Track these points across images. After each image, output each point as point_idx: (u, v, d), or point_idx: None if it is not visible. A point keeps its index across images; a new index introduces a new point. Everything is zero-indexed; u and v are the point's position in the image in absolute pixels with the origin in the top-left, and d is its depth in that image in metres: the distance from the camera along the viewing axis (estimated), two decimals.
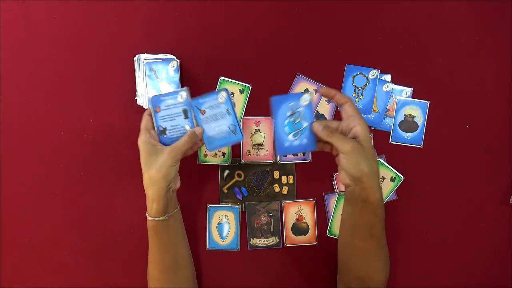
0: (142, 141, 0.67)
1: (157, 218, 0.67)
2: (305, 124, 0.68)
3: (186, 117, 0.69)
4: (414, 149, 0.84)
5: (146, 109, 0.78)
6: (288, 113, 0.68)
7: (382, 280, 0.71)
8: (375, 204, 0.65)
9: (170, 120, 0.69)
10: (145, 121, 0.69)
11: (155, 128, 0.69)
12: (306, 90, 0.80)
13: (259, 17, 0.83)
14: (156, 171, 0.65)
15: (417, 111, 0.84)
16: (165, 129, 0.69)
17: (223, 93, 0.69)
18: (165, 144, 0.68)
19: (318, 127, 0.67)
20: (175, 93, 0.69)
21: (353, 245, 0.71)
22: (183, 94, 0.69)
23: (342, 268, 0.75)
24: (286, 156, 0.82)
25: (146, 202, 0.68)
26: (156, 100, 0.69)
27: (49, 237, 0.80)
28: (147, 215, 0.68)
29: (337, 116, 0.83)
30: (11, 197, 0.80)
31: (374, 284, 0.70)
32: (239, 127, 0.70)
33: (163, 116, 0.69)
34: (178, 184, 0.71)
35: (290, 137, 0.68)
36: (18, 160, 0.80)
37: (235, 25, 0.83)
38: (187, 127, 0.69)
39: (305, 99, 0.68)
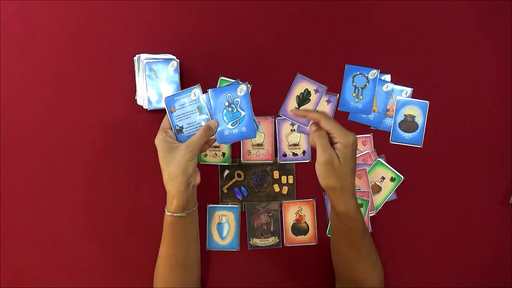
0: (159, 139, 0.68)
1: (175, 214, 0.68)
2: (243, 114, 0.70)
3: (201, 113, 0.70)
4: (414, 149, 0.84)
5: (146, 108, 0.79)
6: (226, 104, 0.70)
7: (376, 282, 0.71)
8: (342, 215, 0.66)
9: (186, 118, 0.71)
10: (163, 122, 0.71)
11: (172, 127, 0.71)
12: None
13: (259, 17, 0.83)
14: (174, 166, 0.66)
15: (417, 111, 0.84)
16: (181, 127, 0.71)
17: (243, 86, 0.70)
18: (182, 142, 0.69)
19: (312, 127, 0.66)
20: (187, 91, 0.70)
21: (338, 249, 0.73)
22: (196, 91, 0.70)
23: (335, 270, 0.76)
24: (285, 156, 0.82)
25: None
26: (170, 101, 0.70)
27: (49, 237, 0.80)
28: (165, 210, 0.69)
29: (338, 116, 0.83)
30: (11, 197, 0.80)
31: (368, 285, 0.70)
32: (254, 126, 0.71)
33: (178, 116, 0.70)
34: (198, 180, 0.71)
35: (229, 126, 0.71)
36: (17, 160, 0.80)
37: (235, 25, 0.83)
38: (203, 123, 0.71)
39: (241, 90, 0.70)
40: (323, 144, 0.63)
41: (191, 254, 0.73)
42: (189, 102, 0.70)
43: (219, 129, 0.71)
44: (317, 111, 0.67)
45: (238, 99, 0.70)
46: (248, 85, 0.70)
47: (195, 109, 0.70)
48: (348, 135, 0.63)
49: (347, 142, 0.62)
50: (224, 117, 0.71)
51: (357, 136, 0.82)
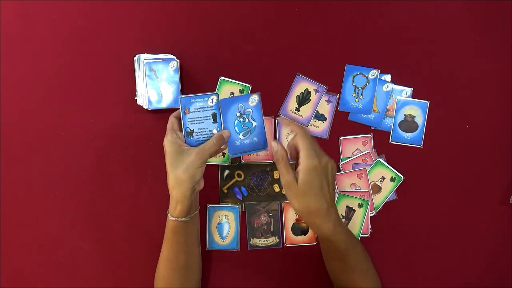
0: (169, 141, 0.66)
1: (179, 219, 0.67)
2: (254, 124, 0.70)
3: (215, 121, 0.70)
4: (414, 149, 0.84)
5: (146, 108, 0.79)
6: (238, 114, 0.70)
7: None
8: (319, 236, 0.68)
9: (199, 123, 0.70)
10: (171, 122, 0.69)
11: (183, 129, 0.70)
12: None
13: (259, 17, 0.83)
14: (182, 171, 0.64)
15: (417, 111, 0.84)
16: (192, 131, 0.70)
17: (255, 96, 0.70)
18: (191, 146, 0.69)
19: (274, 146, 0.65)
20: (205, 96, 0.69)
21: (327, 262, 0.75)
22: (214, 98, 0.69)
23: (331, 279, 0.77)
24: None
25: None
26: (186, 102, 0.69)
27: (49, 237, 0.80)
28: (168, 214, 0.68)
29: (337, 116, 0.83)
30: (11, 197, 0.80)
31: None
32: (265, 137, 0.71)
33: (191, 118, 0.69)
34: (202, 185, 0.71)
35: (241, 136, 0.70)
36: (17, 160, 0.80)
37: (235, 25, 0.83)
38: (215, 131, 0.70)
39: (253, 100, 0.70)
40: (282, 169, 0.63)
41: (193, 257, 0.73)
42: (205, 107, 0.70)
43: (230, 139, 0.70)
44: (302, 126, 0.65)
45: (250, 110, 0.70)
46: (259, 95, 0.70)
47: (209, 115, 0.70)
48: (311, 159, 0.61)
49: (307, 166, 0.61)
50: (236, 128, 0.70)
51: (357, 136, 0.83)
